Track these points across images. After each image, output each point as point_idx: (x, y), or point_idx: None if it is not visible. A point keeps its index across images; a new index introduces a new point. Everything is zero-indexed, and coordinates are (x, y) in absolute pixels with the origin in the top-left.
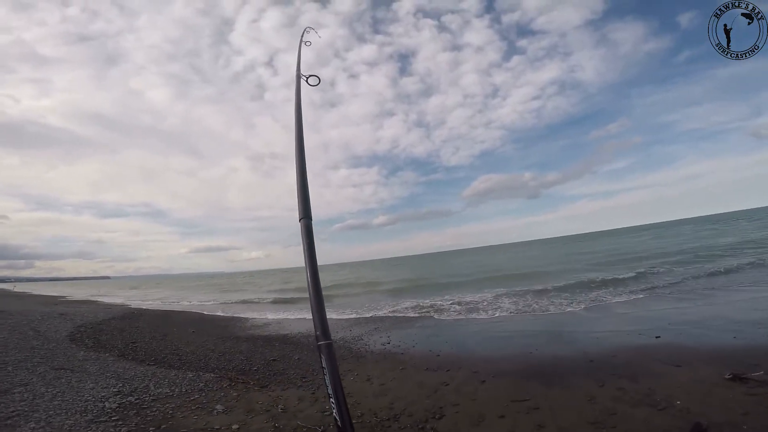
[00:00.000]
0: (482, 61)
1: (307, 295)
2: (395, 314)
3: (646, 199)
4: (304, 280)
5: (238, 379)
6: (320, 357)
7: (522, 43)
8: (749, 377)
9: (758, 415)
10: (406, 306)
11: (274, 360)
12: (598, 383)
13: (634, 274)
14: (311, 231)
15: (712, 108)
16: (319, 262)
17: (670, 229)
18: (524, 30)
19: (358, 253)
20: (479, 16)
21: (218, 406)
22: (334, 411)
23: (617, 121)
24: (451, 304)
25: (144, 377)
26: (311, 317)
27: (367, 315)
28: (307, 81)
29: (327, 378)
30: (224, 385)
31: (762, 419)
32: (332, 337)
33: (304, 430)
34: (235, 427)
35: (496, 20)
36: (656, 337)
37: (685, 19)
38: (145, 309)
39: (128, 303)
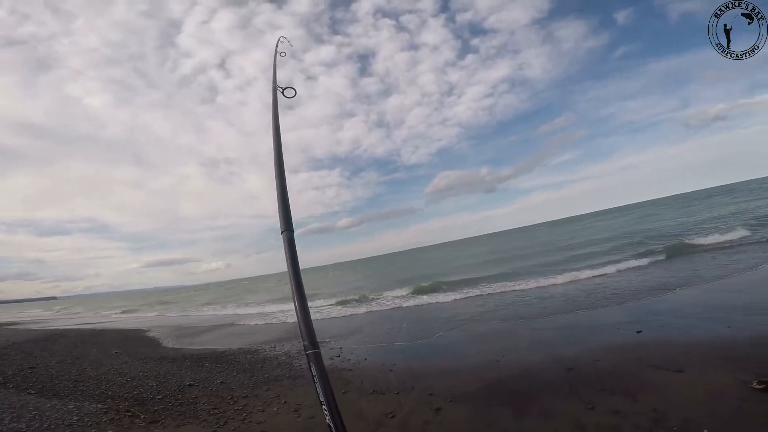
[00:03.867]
0: (438, 60)
1: (293, 306)
2: (360, 318)
3: (591, 189)
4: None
5: (128, 411)
6: (309, 366)
7: (475, 41)
8: None
9: None
10: (371, 309)
11: (190, 385)
12: (587, 404)
13: (590, 261)
14: (293, 243)
15: (646, 101)
16: (282, 269)
17: (614, 216)
18: (477, 29)
19: (324, 257)
20: (435, 15)
21: None
22: (327, 418)
23: (563, 115)
24: (410, 305)
25: (8, 409)
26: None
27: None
28: (283, 93)
29: (318, 386)
30: (104, 420)
31: None
32: (278, 351)
33: None
34: None
35: (451, 19)
36: (637, 332)
37: (621, 16)
38: (72, 329)
39: (58, 323)
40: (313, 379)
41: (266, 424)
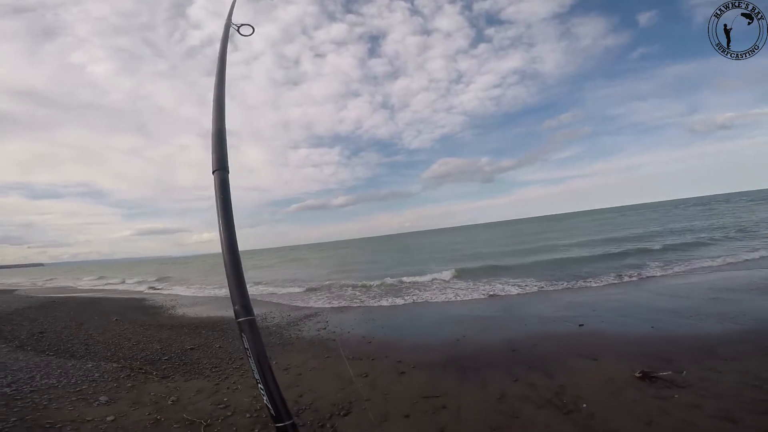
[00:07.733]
0: (450, 47)
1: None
2: (347, 298)
3: (590, 187)
4: (248, 265)
5: (141, 369)
6: (241, 336)
7: (489, 31)
8: (658, 376)
9: (661, 427)
10: (362, 287)
11: (191, 349)
12: (512, 377)
13: (571, 258)
14: (227, 185)
15: (656, 103)
16: (274, 245)
17: (609, 216)
18: (493, 19)
19: (317, 235)
20: (452, 1)
21: (102, 398)
22: (265, 398)
23: (570, 111)
24: (403, 286)
25: (35, 368)
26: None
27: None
28: (238, 30)
29: (251, 361)
30: (122, 376)
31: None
32: (269, 322)
33: (187, 423)
34: (110, 418)
35: (468, 7)
36: (579, 326)
37: (644, 18)
38: (70, 297)
39: (54, 291)
40: (246, 353)
41: None
